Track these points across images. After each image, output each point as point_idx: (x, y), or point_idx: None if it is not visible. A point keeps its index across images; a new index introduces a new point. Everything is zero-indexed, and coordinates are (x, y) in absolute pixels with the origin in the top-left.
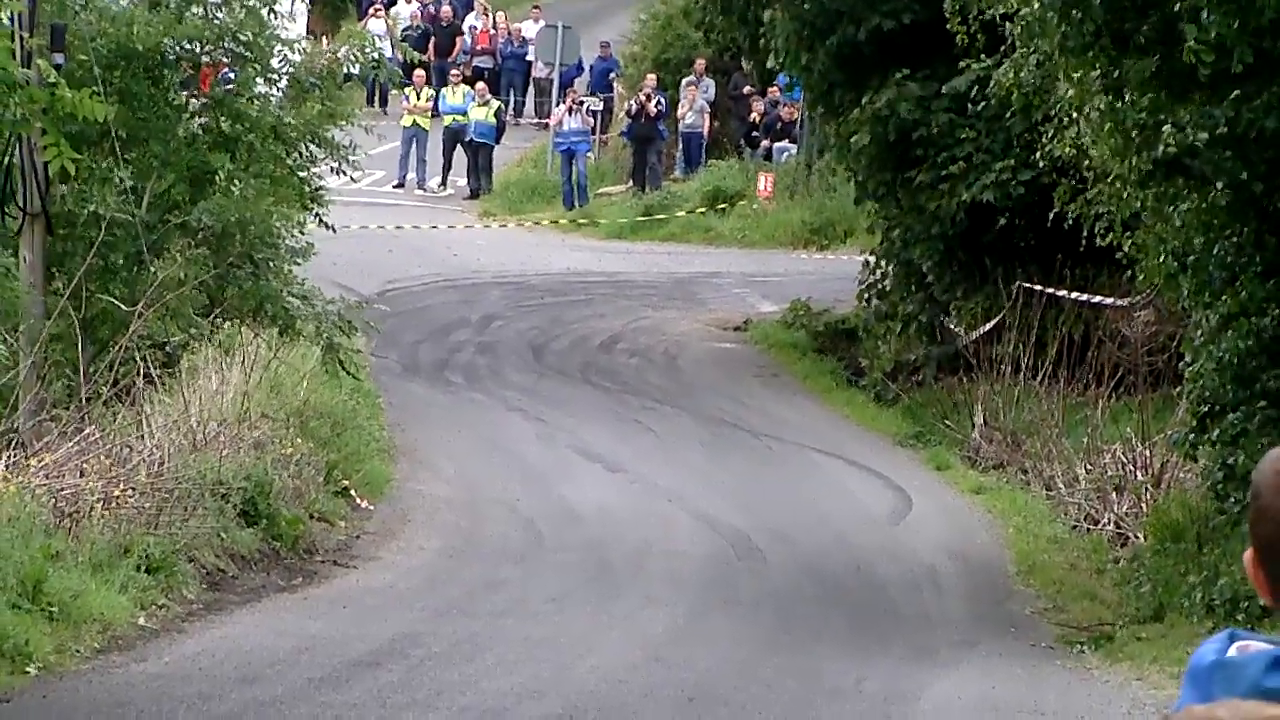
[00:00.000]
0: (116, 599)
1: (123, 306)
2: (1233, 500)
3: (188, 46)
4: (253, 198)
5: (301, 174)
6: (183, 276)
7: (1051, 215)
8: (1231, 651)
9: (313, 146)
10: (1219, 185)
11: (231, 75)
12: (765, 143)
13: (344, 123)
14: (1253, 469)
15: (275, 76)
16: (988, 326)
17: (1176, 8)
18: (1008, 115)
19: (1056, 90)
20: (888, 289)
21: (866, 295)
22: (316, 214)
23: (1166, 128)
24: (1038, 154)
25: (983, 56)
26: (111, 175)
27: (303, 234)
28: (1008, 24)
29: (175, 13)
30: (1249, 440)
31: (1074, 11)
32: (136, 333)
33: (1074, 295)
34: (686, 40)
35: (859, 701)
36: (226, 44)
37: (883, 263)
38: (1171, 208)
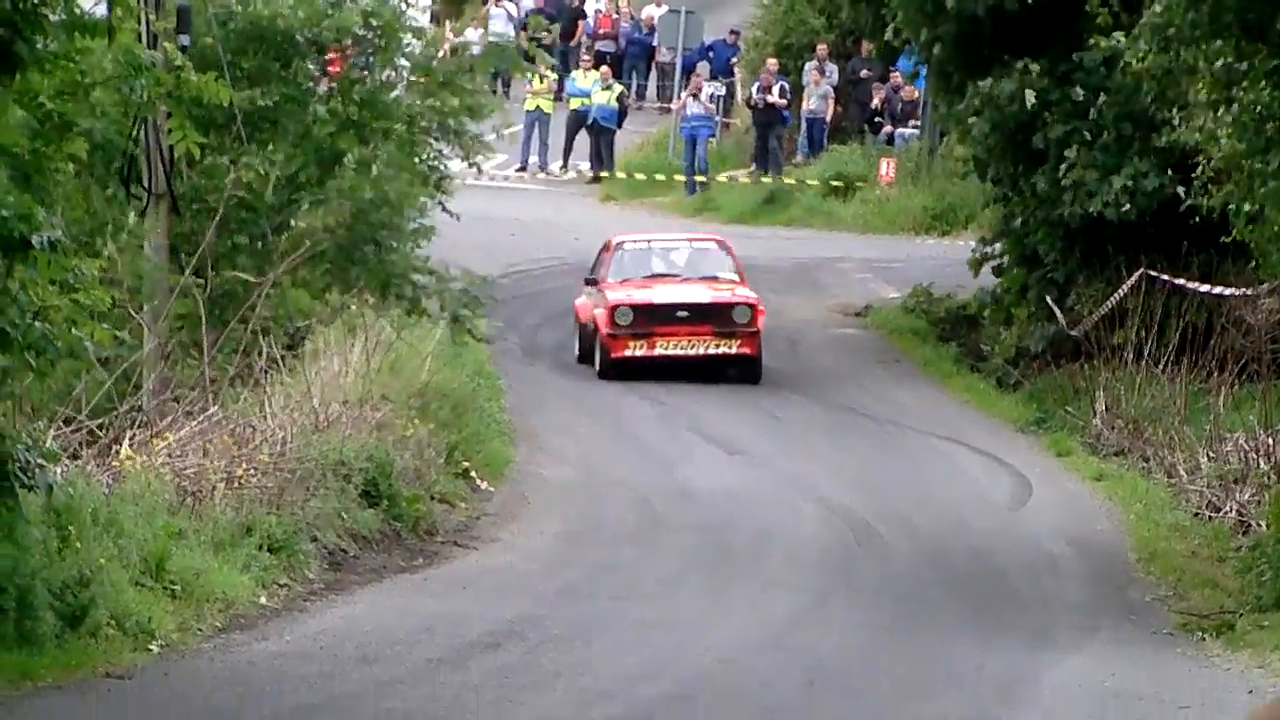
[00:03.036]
0: (238, 578)
1: (250, 279)
2: None
3: (319, 30)
4: (379, 178)
5: (430, 162)
6: (308, 241)
7: (1183, 209)
8: None
9: (446, 137)
10: None
11: (363, 62)
12: (888, 128)
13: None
14: None
15: (405, 64)
16: (1103, 309)
17: None
18: (1132, 111)
19: (1185, 78)
20: (1004, 269)
21: (979, 268)
22: (440, 202)
23: None
24: (1163, 140)
25: (1115, 36)
26: (240, 157)
27: (424, 216)
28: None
29: None
30: None
31: (1203, 3)
32: (262, 309)
33: (1197, 286)
34: (808, 25)
35: (979, 686)
36: (358, 30)
37: (998, 245)
38: None
